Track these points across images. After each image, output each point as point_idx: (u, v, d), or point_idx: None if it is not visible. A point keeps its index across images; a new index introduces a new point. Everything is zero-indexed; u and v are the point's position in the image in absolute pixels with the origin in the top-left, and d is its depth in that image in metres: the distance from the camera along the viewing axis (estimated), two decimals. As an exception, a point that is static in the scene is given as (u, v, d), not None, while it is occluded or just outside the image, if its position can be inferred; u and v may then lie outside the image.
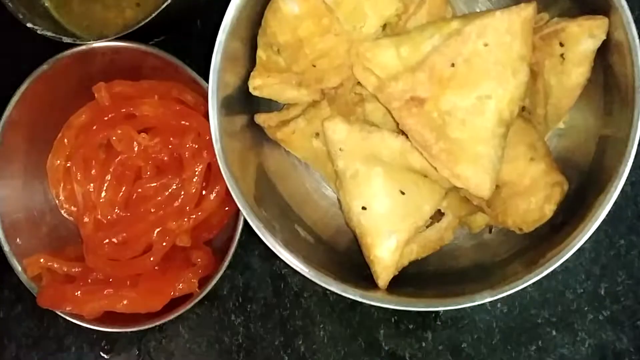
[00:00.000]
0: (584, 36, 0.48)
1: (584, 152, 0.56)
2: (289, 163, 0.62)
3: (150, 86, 0.62)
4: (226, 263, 0.58)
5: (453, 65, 0.48)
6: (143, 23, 0.58)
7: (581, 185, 0.54)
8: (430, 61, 0.48)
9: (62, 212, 0.65)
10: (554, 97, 0.52)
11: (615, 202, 0.47)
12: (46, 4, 0.67)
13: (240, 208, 0.51)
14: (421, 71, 0.49)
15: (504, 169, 0.52)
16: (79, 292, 0.56)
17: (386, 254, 0.51)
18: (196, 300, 0.58)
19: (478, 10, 0.58)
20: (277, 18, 0.51)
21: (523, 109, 0.55)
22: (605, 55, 0.51)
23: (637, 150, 0.48)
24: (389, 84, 0.50)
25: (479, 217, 0.57)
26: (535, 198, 0.52)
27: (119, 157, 0.60)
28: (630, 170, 0.48)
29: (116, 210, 0.59)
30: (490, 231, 0.57)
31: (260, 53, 0.55)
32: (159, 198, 0.58)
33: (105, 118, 0.61)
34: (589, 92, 0.53)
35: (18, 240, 0.62)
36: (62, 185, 0.63)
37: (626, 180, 0.48)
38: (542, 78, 0.52)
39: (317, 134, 0.57)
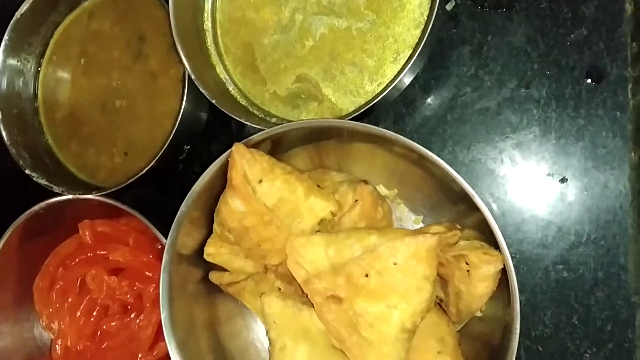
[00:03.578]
0: (483, 264, 0.55)
1: (495, 335, 0.62)
2: (238, 313, 0.69)
3: (129, 228, 0.71)
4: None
5: (367, 275, 0.55)
6: (125, 184, 0.67)
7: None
8: (349, 268, 0.55)
9: (43, 326, 0.73)
10: (464, 300, 0.59)
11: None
12: (49, 141, 0.76)
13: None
14: (341, 275, 0.56)
15: (415, 357, 0.59)
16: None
17: None
18: None
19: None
20: (227, 209, 0.59)
21: (441, 300, 0.62)
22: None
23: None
24: (314, 281, 0.57)
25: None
26: (440, 388, 0.59)
27: (90, 295, 0.68)
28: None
29: (84, 342, 0.68)
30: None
31: (215, 227, 0.63)
32: (119, 337, 0.67)
33: (83, 256, 0.70)
34: (499, 288, 0.59)
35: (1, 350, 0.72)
36: (45, 305, 0.72)
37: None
38: (453, 284, 0.58)
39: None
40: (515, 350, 0.51)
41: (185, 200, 0.59)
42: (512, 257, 0.62)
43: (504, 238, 0.61)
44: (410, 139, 0.55)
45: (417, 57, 0.57)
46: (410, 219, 0.68)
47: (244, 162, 0.56)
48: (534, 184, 0.65)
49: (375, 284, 0.55)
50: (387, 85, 0.58)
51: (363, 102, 0.65)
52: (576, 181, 0.63)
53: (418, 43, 0.58)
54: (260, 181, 0.57)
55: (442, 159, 0.55)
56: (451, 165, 0.54)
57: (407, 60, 0.57)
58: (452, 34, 0.67)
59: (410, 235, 0.54)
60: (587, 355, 0.63)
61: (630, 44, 0.62)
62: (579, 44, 0.63)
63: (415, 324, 0.55)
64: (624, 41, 0.62)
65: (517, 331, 0.51)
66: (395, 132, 0.55)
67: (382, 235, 0.56)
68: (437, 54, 0.67)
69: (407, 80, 0.62)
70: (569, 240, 0.64)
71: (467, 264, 0.56)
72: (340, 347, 0.58)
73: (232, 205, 0.58)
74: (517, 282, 0.61)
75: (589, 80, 0.63)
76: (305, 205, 0.59)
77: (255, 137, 0.58)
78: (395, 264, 0.54)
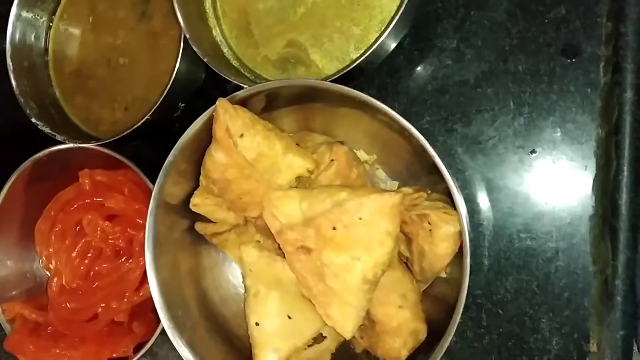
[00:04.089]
0: (443, 223, 0.58)
1: (455, 295, 0.65)
2: (221, 263, 0.74)
3: (125, 179, 0.76)
4: (154, 337, 0.71)
5: (334, 228, 0.59)
6: (121, 135, 0.71)
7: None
8: (318, 221, 0.59)
9: (42, 266, 0.79)
10: (427, 258, 0.62)
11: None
12: (56, 94, 0.81)
13: (158, 309, 0.63)
14: (311, 227, 0.60)
15: (379, 310, 0.63)
16: (32, 347, 0.70)
17: (268, 365, 0.63)
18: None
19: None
20: (211, 161, 0.63)
21: (407, 259, 0.66)
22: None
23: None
24: (286, 232, 0.61)
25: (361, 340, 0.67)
26: (399, 339, 0.63)
27: (85, 238, 0.73)
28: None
29: (77, 281, 0.73)
30: (367, 354, 0.68)
31: (202, 179, 0.67)
32: (110, 277, 0.72)
33: (81, 202, 0.75)
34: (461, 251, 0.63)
35: (3, 284, 0.77)
36: (45, 246, 0.78)
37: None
38: (417, 243, 0.62)
39: (244, 245, 0.69)
40: (464, 301, 0.54)
41: (172, 150, 0.64)
42: (479, 224, 0.66)
43: (473, 205, 0.65)
44: (392, 107, 0.58)
45: (395, 24, 0.60)
46: (387, 184, 0.72)
47: (227, 116, 0.60)
48: (505, 155, 0.68)
49: (342, 236, 0.58)
50: (365, 51, 0.61)
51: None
52: (545, 154, 0.66)
53: (397, 11, 0.61)
54: (242, 135, 0.61)
55: (422, 128, 0.58)
56: (429, 134, 0.58)
57: (385, 27, 0.60)
58: (438, 8, 0.70)
59: (376, 192, 0.58)
60: (544, 320, 0.66)
61: (606, 23, 0.64)
62: (556, 22, 0.66)
63: (376, 276, 0.59)
64: (600, 21, 0.64)
65: (466, 285, 0.54)
66: (378, 100, 0.58)
67: (351, 192, 0.60)
68: (423, 26, 0.70)
69: (388, 48, 0.65)
70: (534, 210, 0.67)
71: (429, 223, 0.60)
72: (308, 296, 0.62)
73: (216, 157, 0.62)
74: (484, 247, 0.65)
75: (563, 57, 0.66)
76: (284, 162, 0.63)
77: (240, 93, 0.62)
78: (360, 218, 0.58)
